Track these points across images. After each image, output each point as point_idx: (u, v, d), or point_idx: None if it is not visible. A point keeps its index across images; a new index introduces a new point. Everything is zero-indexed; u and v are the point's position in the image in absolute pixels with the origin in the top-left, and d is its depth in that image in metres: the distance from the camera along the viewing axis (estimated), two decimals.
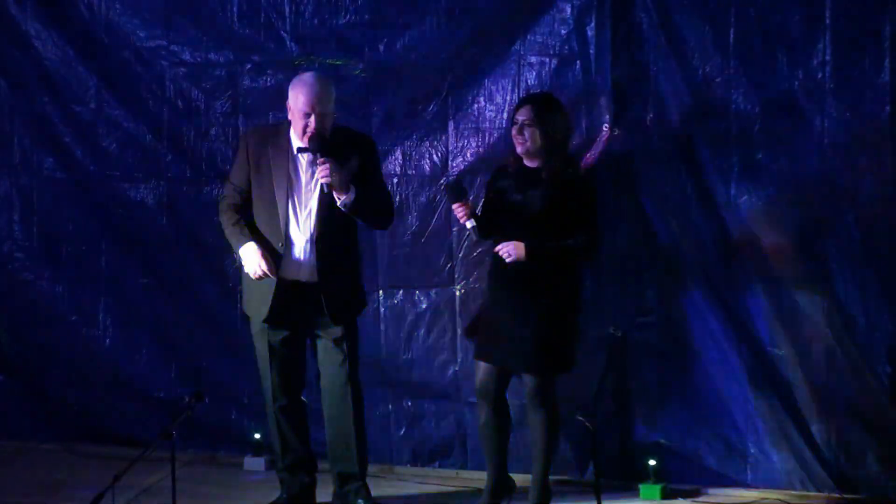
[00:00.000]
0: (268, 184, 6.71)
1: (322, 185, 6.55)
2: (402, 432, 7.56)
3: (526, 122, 6.59)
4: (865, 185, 6.95)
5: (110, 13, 7.64)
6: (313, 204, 6.70)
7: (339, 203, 6.55)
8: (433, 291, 7.45)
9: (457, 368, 7.46)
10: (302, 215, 6.72)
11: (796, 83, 6.96)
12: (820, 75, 6.92)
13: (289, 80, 7.29)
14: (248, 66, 7.51)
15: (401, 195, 7.45)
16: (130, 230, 7.73)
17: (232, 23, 7.51)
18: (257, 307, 6.78)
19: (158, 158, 7.68)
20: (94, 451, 7.72)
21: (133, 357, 7.82)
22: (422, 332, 7.49)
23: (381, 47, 7.38)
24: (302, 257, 6.72)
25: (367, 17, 7.37)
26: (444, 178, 7.24)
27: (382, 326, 7.52)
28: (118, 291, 7.80)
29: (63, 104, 7.74)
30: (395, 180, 7.43)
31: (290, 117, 6.68)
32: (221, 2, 7.51)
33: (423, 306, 7.47)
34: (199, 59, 7.57)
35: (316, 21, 7.43)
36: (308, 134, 6.57)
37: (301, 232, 6.71)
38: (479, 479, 7.32)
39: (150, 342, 7.79)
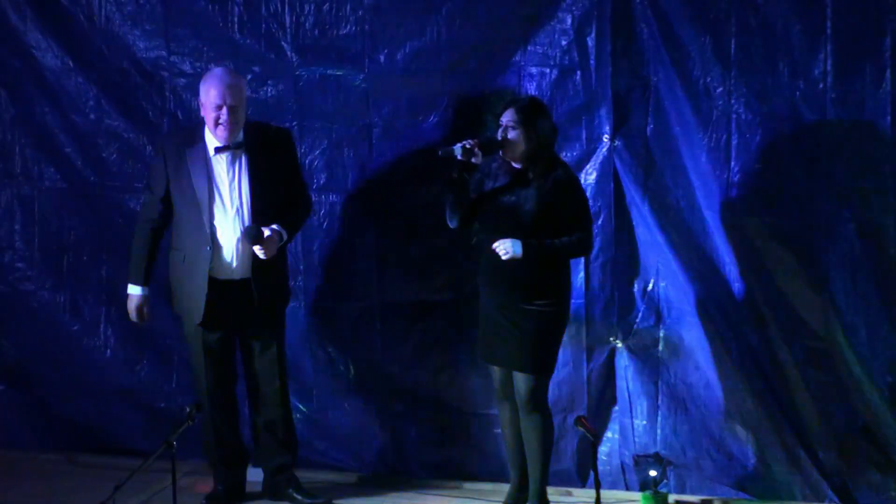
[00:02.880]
0: (188, 187, 6.87)
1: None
2: (402, 442, 7.55)
3: (510, 125, 6.64)
4: (867, 195, 6.94)
5: (110, 24, 7.63)
6: (239, 202, 6.85)
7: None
8: (432, 300, 7.44)
9: (458, 377, 7.45)
10: (229, 214, 6.86)
11: (797, 93, 6.96)
12: (821, 85, 6.92)
13: (290, 91, 7.39)
14: (249, 76, 7.49)
15: (400, 204, 7.45)
16: (131, 240, 7.71)
17: (232, 33, 7.50)
18: (190, 308, 6.95)
19: None
20: (94, 462, 7.71)
21: (134, 367, 7.81)
22: (421, 341, 7.49)
23: (382, 58, 7.37)
24: (233, 256, 6.89)
25: (367, 27, 7.37)
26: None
27: (382, 336, 7.52)
28: (119, 301, 7.76)
29: (63, 114, 7.73)
30: (395, 190, 7.43)
31: (202, 114, 6.84)
32: (222, 12, 7.50)
33: (423, 315, 7.47)
34: (199, 70, 7.54)
35: (317, 32, 7.42)
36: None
37: (229, 231, 6.85)
38: (480, 489, 7.33)
39: (150, 352, 7.78)
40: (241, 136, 6.88)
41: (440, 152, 6.72)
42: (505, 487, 7.06)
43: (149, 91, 7.63)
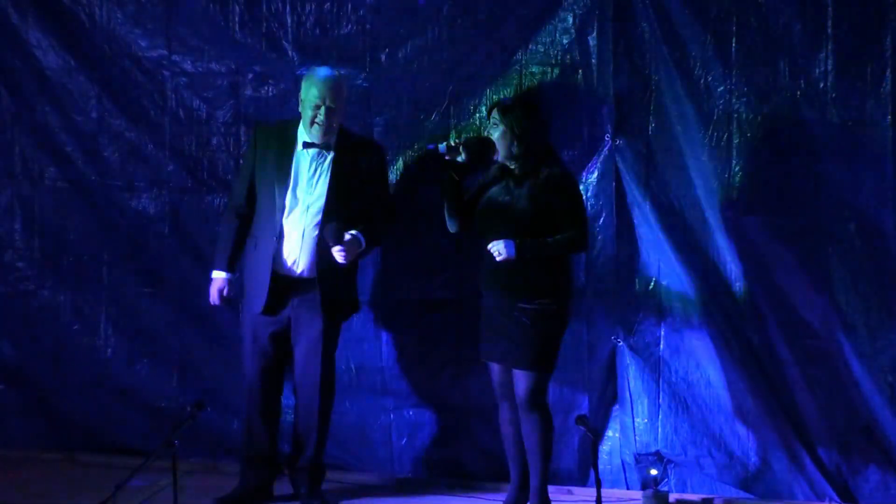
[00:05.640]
0: (270, 177, 6.91)
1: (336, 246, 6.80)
2: (404, 441, 7.56)
3: (493, 124, 6.69)
4: (867, 194, 6.95)
5: (111, 23, 7.63)
6: (313, 200, 6.87)
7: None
8: (433, 299, 7.44)
9: (459, 377, 7.45)
10: (299, 209, 6.87)
11: (798, 92, 6.97)
12: (822, 85, 6.93)
13: (291, 90, 7.39)
14: (250, 75, 7.51)
15: (402, 203, 7.45)
16: (132, 240, 7.72)
17: (234, 32, 7.50)
18: (252, 297, 6.97)
19: (160, 168, 7.67)
20: (95, 461, 7.71)
21: (135, 366, 7.80)
22: (422, 340, 7.49)
23: (383, 57, 7.38)
24: (297, 251, 6.89)
25: (368, 26, 7.37)
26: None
27: (383, 335, 7.52)
28: (120, 301, 7.79)
29: (64, 113, 7.72)
30: (397, 189, 7.43)
31: (300, 110, 6.90)
32: (223, 12, 7.50)
33: (424, 314, 7.47)
34: (200, 69, 7.56)
35: (318, 31, 7.43)
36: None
37: (297, 226, 6.86)
38: (481, 488, 7.33)
39: (151, 351, 7.78)
40: (333, 137, 6.90)
41: (426, 147, 6.78)
42: (506, 486, 7.06)
43: (150, 90, 7.63)
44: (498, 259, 6.60)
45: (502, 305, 6.72)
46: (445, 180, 6.77)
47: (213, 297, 7.10)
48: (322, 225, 6.83)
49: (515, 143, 6.66)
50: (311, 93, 6.83)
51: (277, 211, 6.87)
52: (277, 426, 7.19)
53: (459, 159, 6.72)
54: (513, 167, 6.72)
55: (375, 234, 6.99)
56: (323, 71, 6.92)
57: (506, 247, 6.58)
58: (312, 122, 6.83)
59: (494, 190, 6.76)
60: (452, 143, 6.72)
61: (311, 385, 7.04)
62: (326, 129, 6.84)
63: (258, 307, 6.93)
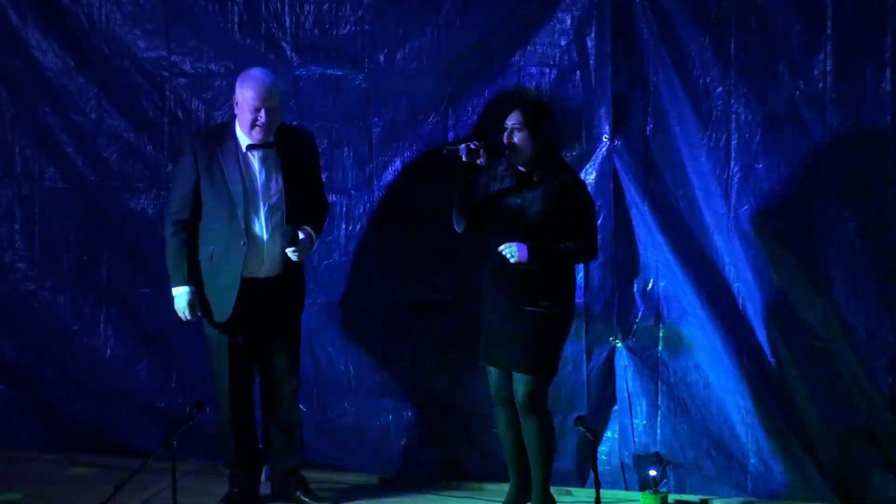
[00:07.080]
0: (222, 184, 6.85)
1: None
2: (403, 442, 7.56)
3: (516, 127, 6.63)
4: (867, 195, 6.94)
5: (111, 24, 7.64)
6: (271, 199, 6.87)
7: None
8: (433, 301, 7.44)
9: (459, 377, 7.45)
10: (261, 211, 6.86)
11: (797, 93, 6.96)
12: (821, 85, 6.92)
13: (289, 91, 7.38)
14: None
15: (400, 205, 7.45)
16: (131, 240, 7.73)
17: (232, 33, 7.51)
18: (217, 306, 6.92)
19: (159, 169, 7.68)
20: (95, 462, 7.71)
21: (134, 367, 7.81)
22: (422, 341, 7.49)
23: (382, 58, 7.38)
24: (262, 254, 6.89)
25: (367, 27, 7.37)
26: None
27: (383, 336, 7.52)
28: (119, 301, 7.80)
29: (64, 114, 7.73)
30: (396, 191, 7.43)
31: (236, 112, 6.84)
32: (222, 13, 7.51)
33: (424, 315, 7.47)
34: (199, 70, 7.57)
35: (316, 32, 7.43)
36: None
37: (261, 228, 6.85)
38: (481, 489, 7.33)
39: (151, 352, 7.79)
40: (272, 135, 6.88)
41: (444, 151, 6.72)
42: (506, 486, 7.05)
43: (149, 91, 7.64)
44: (511, 261, 6.58)
45: (506, 308, 6.70)
46: (459, 181, 6.73)
47: (185, 312, 6.94)
48: (279, 225, 6.83)
49: (535, 148, 6.63)
50: (247, 96, 6.75)
51: (238, 216, 6.82)
52: (256, 420, 7.19)
53: (480, 162, 6.69)
54: (526, 171, 6.69)
55: (321, 225, 7.02)
56: (257, 72, 6.84)
57: (518, 249, 6.57)
58: (253, 126, 6.78)
59: (505, 192, 6.72)
60: (473, 147, 6.67)
61: (291, 382, 7.07)
62: (267, 130, 6.81)
63: (226, 314, 6.88)
